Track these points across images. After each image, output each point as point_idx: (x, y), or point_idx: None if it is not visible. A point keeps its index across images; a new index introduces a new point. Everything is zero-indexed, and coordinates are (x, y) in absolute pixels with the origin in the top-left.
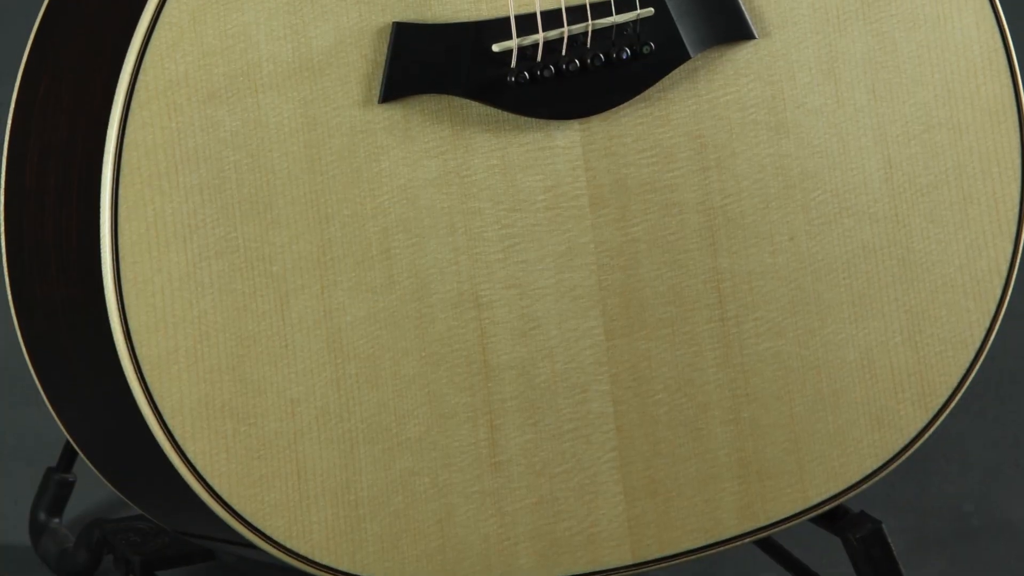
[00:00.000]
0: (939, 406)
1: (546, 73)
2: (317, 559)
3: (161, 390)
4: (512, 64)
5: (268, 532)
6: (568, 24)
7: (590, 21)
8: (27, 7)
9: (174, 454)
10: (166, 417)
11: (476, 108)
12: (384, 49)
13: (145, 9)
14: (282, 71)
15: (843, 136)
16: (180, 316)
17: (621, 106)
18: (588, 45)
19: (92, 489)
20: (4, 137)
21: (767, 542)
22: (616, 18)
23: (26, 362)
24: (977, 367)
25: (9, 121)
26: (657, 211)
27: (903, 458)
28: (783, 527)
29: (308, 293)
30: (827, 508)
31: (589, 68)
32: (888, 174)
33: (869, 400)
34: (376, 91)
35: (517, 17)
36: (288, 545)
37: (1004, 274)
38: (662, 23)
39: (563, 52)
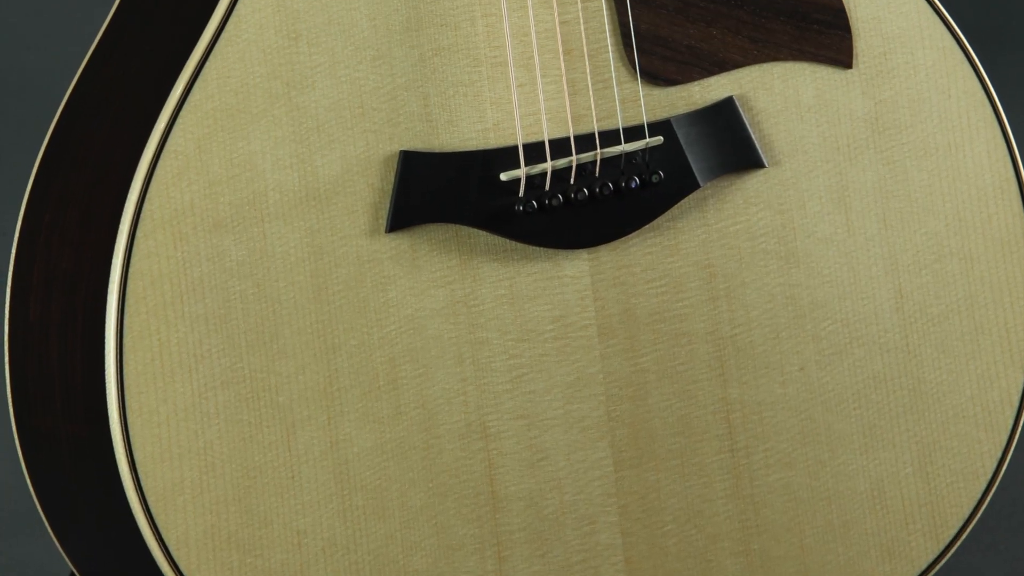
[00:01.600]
0: (950, 537)
1: (554, 202)
2: None
3: (167, 521)
4: (520, 193)
5: None
6: (577, 153)
7: (599, 150)
8: (30, 137)
9: None
10: (171, 549)
11: (484, 237)
12: (391, 178)
13: (150, 138)
14: (288, 200)
15: (854, 265)
16: (186, 447)
17: (630, 235)
18: (597, 174)
19: None
20: (8, 267)
21: None
22: (625, 147)
23: (31, 494)
24: (989, 498)
25: (13, 251)
26: (666, 341)
27: None
28: None
29: (315, 424)
30: None
31: (598, 197)
32: (899, 304)
33: (880, 531)
34: (383, 220)
35: (525, 146)
36: None
37: (1015, 405)
38: (671, 152)
39: (572, 181)
